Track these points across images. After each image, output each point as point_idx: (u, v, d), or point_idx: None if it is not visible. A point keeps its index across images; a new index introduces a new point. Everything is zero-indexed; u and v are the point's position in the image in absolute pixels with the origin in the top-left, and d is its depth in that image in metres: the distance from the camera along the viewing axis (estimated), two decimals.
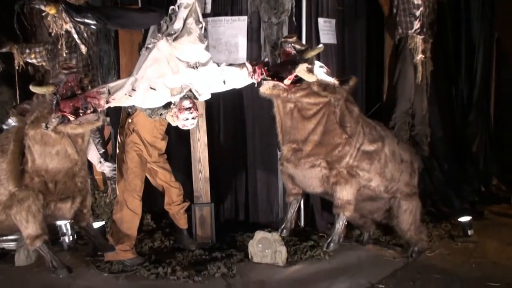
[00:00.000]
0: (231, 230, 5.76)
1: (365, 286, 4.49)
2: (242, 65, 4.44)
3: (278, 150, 5.52)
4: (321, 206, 5.78)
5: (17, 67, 5.74)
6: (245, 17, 5.64)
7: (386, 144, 4.68)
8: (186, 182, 5.57)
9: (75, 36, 5.18)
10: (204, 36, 5.53)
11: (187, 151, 5.59)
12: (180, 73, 4.28)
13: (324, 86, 4.32)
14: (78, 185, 4.39)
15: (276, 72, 4.32)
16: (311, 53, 4.28)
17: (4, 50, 5.64)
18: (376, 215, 5.08)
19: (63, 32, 5.12)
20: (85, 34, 5.25)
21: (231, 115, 5.97)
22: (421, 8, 5.64)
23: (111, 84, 4.13)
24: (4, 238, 5.19)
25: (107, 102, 4.05)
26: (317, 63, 4.46)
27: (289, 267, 4.90)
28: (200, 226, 5.45)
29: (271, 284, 4.62)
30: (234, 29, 5.68)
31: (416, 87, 5.76)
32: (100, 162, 5.70)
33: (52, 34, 5.23)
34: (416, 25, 5.61)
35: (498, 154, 6.90)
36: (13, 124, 6.51)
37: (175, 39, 4.24)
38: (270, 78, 4.28)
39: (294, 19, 5.35)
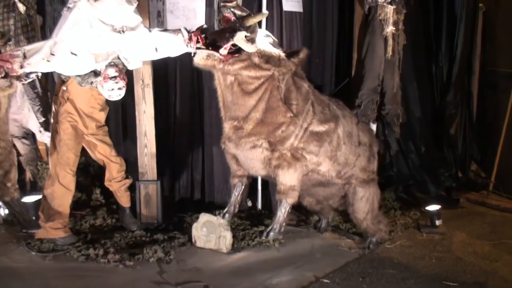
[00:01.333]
0: (183, 210, 5.41)
1: (309, 280, 4.10)
2: (177, 31, 3.96)
3: None
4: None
5: None
6: None
7: (340, 124, 4.24)
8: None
9: None
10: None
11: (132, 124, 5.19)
12: (105, 37, 3.83)
13: (267, 58, 3.85)
14: None
15: (214, 40, 3.84)
16: (253, 20, 3.79)
17: None
18: (332, 201, 4.68)
19: None
20: None
21: (188, 85, 5.56)
22: None
23: (27, 47, 3.72)
24: None
25: (22, 67, 3.64)
26: (262, 32, 3.99)
27: (233, 254, 4.53)
28: (145, 205, 5.07)
29: (208, 272, 4.24)
30: None
31: (387, 62, 5.26)
32: (40, 131, 5.30)
33: None
34: None
35: (479, 137, 6.41)
36: None
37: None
38: (204, 47, 3.81)
39: None
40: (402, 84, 5.63)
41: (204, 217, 4.65)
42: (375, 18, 5.16)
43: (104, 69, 3.98)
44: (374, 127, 5.46)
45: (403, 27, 5.26)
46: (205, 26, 4.02)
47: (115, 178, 4.86)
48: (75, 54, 3.76)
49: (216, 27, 4.89)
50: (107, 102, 4.68)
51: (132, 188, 5.03)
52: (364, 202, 4.43)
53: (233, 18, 3.83)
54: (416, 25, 5.90)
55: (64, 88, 4.50)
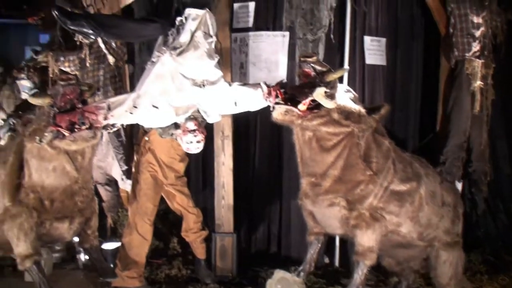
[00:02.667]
0: (259, 263, 5.29)
1: None
2: (257, 86, 3.96)
3: None
4: None
5: (51, 75, 5.61)
6: (287, 33, 5.20)
7: (423, 184, 4.04)
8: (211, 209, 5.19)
9: (102, 46, 4.95)
10: (244, 51, 5.16)
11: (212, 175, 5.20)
12: (185, 91, 3.89)
13: (346, 114, 3.74)
14: (79, 205, 4.07)
15: (293, 95, 3.80)
16: (333, 76, 3.73)
17: (40, 57, 5.53)
18: (413, 263, 4.43)
19: (87, 42, 4.91)
20: (113, 44, 5.01)
21: (268, 137, 5.53)
22: (482, 28, 4.93)
23: (112, 99, 3.81)
24: None
25: (106, 118, 3.72)
26: (342, 87, 3.92)
27: None
28: (220, 257, 5.03)
29: None
30: (275, 46, 5.26)
31: (474, 118, 5.04)
32: (122, 179, 5.42)
33: (78, 42, 5.04)
34: (475, 47, 4.91)
35: None
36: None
37: (180, 54, 3.85)
38: (283, 102, 3.77)
39: (332, 36, 4.80)
40: (491, 140, 5.38)
41: (279, 273, 4.51)
42: (462, 72, 4.99)
43: (184, 122, 4.02)
44: (459, 185, 5.22)
45: (492, 81, 5.05)
46: (284, 80, 4.01)
47: (191, 229, 4.87)
48: (157, 107, 3.83)
49: (297, 81, 4.89)
50: (187, 153, 4.73)
51: (208, 240, 5.01)
52: (448, 266, 4.16)
53: (313, 73, 3.78)
54: (506, 79, 5.63)
55: (146, 138, 4.60)
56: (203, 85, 3.91)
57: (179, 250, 5.59)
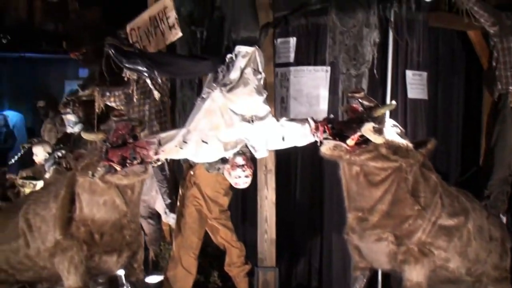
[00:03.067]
0: None
1: None
2: (304, 121, 4.01)
3: None
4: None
5: (97, 110, 5.75)
6: (328, 68, 5.26)
7: (471, 218, 4.02)
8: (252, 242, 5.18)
9: (148, 81, 5.07)
10: (285, 86, 5.23)
11: (254, 208, 5.22)
12: (235, 126, 3.95)
13: (394, 148, 3.75)
14: (127, 238, 4.13)
15: (340, 130, 3.84)
16: (381, 111, 3.77)
17: (86, 92, 5.67)
18: None
19: (134, 77, 5.04)
20: (159, 80, 5.13)
21: (309, 171, 5.54)
22: None
23: (163, 135, 3.89)
24: None
25: (156, 153, 3.80)
26: (390, 122, 3.94)
27: None
28: None
29: None
30: (316, 80, 5.32)
31: None
32: (166, 213, 5.48)
33: (125, 78, 5.17)
34: None
35: None
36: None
37: (230, 90, 3.92)
38: (331, 137, 3.81)
39: (375, 71, 4.85)
40: None
41: None
42: (506, 105, 4.95)
43: (232, 157, 4.07)
44: (504, 219, 5.15)
45: None
46: (331, 116, 4.04)
47: (235, 263, 4.89)
48: (206, 142, 3.89)
49: (339, 115, 4.93)
50: (231, 187, 4.78)
51: (250, 274, 5.01)
52: None
53: (360, 108, 3.82)
54: None
55: (192, 172, 4.67)
56: (252, 121, 3.97)
57: (220, 284, 5.57)
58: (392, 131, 3.85)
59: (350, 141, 3.74)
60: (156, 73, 4.14)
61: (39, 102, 8.85)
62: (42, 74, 11.95)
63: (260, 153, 4.14)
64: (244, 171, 4.08)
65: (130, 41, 5.60)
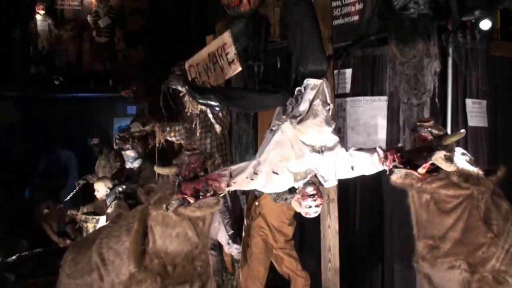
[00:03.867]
0: None
1: None
2: (372, 150, 4.06)
3: None
4: None
5: (157, 144, 5.90)
6: (385, 98, 5.35)
7: None
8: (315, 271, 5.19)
9: (210, 116, 5.20)
10: (341, 116, 5.30)
11: (316, 238, 5.25)
12: (305, 157, 4.01)
13: (465, 176, 3.76)
14: (198, 269, 4.17)
15: (410, 159, 3.87)
16: (451, 139, 3.79)
17: (147, 128, 5.84)
18: None
19: (198, 112, 5.17)
20: (220, 114, 5.26)
21: (368, 199, 5.59)
22: None
23: (233, 167, 3.95)
24: None
25: (228, 185, 3.88)
26: (459, 150, 3.96)
27: None
28: None
29: None
30: (374, 110, 5.42)
31: None
32: (229, 243, 5.55)
33: (188, 114, 5.31)
34: None
35: None
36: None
37: (299, 122, 4.00)
38: (402, 166, 3.85)
39: (437, 100, 4.89)
40: None
41: None
42: None
43: (303, 187, 4.12)
44: None
45: None
46: (400, 145, 4.08)
47: None
48: (277, 173, 3.95)
49: (401, 143, 4.96)
50: (295, 217, 4.84)
51: None
52: None
53: (429, 137, 3.85)
54: None
55: (257, 203, 4.75)
56: (322, 151, 4.03)
57: None
58: (461, 159, 3.89)
59: (422, 170, 3.77)
60: (228, 106, 4.26)
61: (93, 140, 9.10)
62: (92, 113, 12.25)
63: (329, 183, 4.19)
64: (314, 200, 4.12)
65: (189, 77, 5.79)
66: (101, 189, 6.64)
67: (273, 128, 4.10)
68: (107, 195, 6.51)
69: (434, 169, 3.77)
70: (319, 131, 4.02)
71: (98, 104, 12.30)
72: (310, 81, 4.07)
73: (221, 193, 3.86)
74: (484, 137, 5.27)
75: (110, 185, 6.62)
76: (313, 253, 5.55)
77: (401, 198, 5.15)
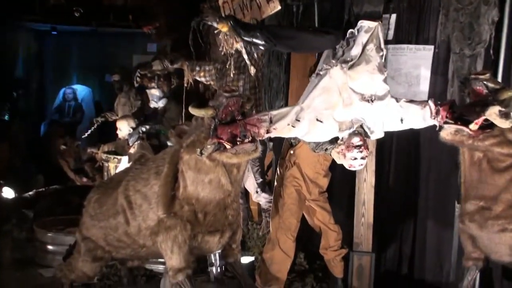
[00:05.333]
0: (390, 284, 5.13)
1: None
2: (424, 103, 3.79)
3: (456, 202, 4.80)
4: (501, 273, 4.88)
5: (186, 84, 5.65)
6: (431, 47, 4.99)
7: None
8: (346, 225, 5.00)
9: (245, 56, 4.87)
10: (383, 65, 5.02)
11: (350, 191, 5.04)
12: (353, 105, 3.76)
13: None
14: (229, 218, 3.98)
15: (462, 114, 3.62)
16: (508, 94, 3.50)
17: (175, 65, 5.57)
18: None
19: (233, 52, 4.88)
20: (255, 55, 4.96)
21: (404, 155, 5.32)
22: None
23: (274, 112, 3.68)
24: (153, 260, 4.99)
25: (268, 131, 3.62)
26: None
27: None
28: (357, 277, 4.84)
29: None
30: (417, 60, 5.05)
31: None
32: (257, 192, 5.36)
33: (223, 53, 5.02)
34: None
35: None
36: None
37: (351, 67, 3.71)
38: (453, 122, 3.59)
39: (492, 52, 4.56)
40: None
41: None
42: None
43: (348, 137, 3.88)
44: None
45: None
46: (453, 99, 3.80)
47: (331, 247, 4.75)
48: (321, 121, 3.70)
49: (448, 96, 4.68)
50: (330, 168, 4.62)
51: (344, 258, 4.86)
52: None
53: (484, 91, 3.59)
54: None
55: (291, 152, 4.52)
56: (372, 100, 3.76)
57: (306, 266, 5.46)
58: None
59: (473, 126, 3.53)
60: (277, 46, 3.94)
61: (114, 76, 8.83)
62: (111, 48, 11.97)
63: (375, 135, 3.94)
64: (361, 152, 3.87)
65: (223, 14, 5.47)
66: (123, 128, 6.44)
67: (320, 73, 3.82)
68: (130, 135, 6.31)
69: (488, 125, 3.54)
70: (371, 78, 3.76)
71: (118, 40, 12.03)
72: (365, 23, 3.78)
73: (260, 139, 3.61)
74: None
75: (134, 124, 6.42)
76: (340, 206, 5.37)
77: (439, 155, 4.99)
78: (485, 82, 3.62)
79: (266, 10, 5.14)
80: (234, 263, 4.22)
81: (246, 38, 3.74)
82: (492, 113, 3.45)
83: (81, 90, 12.04)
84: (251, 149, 3.59)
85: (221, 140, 3.50)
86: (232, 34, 3.83)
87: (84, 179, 8.29)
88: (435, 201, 5.17)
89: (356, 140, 3.85)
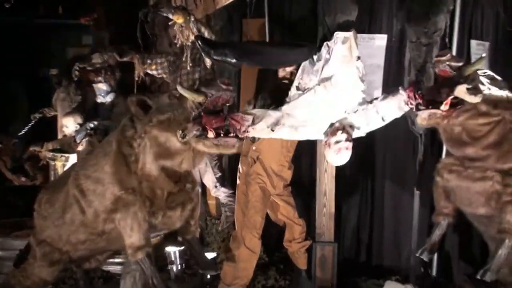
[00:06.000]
0: (349, 272, 5.13)
1: None
2: (395, 94, 3.80)
3: (415, 189, 4.90)
4: (458, 254, 5.06)
5: (136, 78, 5.48)
6: (385, 36, 5.06)
7: None
8: (306, 216, 4.99)
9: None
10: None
11: (310, 182, 5.04)
12: (334, 118, 3.82)
13: (494, 103, 3.60)
14: (189, 191, 3.91)
15: (431, 97, 3.65)
16: (471, 68, 3.59)
17: (125, 59, 5.39)
18: None
19: (189, 43, 4.77)
20: None
21: (361, 144, 5.32)
22: None
23: (257, 113, 3.70)
24: (110, 260, 4.83)
25: (246, 131, 3.62)
26: (485, 74, 3.71)
27: None
28: (321, 267, 4.86)
29: None
30: (371, 49, 5.10)
31: None
32: (216, 186, 5.27)
33: (178, 45, 4.90)
34: None
35: None
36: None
37: (331, 83, 3.74)
38: (425, 107, 3.63)
39: (447, 40, 4.66)
40: None
41: (390, 284, 4.44)
42: None
43: (329, 128, 3.87)
44: None
45: None
46: (417, 82, 3.86)
47: (296, 239, 4.74)
48: (304, 126, 3.77)
49: (405, 84, 4.74)
50: (293, 161, 4.60)
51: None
52: None
53: (449, 71, 3.63)
54: None
55: (254, 148, 4.47)
56: (354, 112, 3.83)
57: (267, 259, 5.42)
58: (488, 83, 3.65)
59: (444, 106, 3.58)
60: (246, 63, 3.91)
61: (52, 70, 8.43)
62: (44, 41, 11.45)
63: (358, 133, 3.95)
64: (343, 134, 3.83)
65: (173, 4, 5.36)
66: (70, 125, 6.19)
67: (301, 83, 3.85)
68: (77, 131, 6.07)
69: (458, 102, 3.58)
70: (351, 92, 3.80)
71: (51, 32, 11.49)
72: (340, 35, 3.79)
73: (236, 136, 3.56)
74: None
75: (80, 121, 6.17)
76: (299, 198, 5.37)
77: (395, 143, 5.10)
78: (447, 63, 3.66)
79: (220, 1, 5.06)
80: (192, 240, 4.13)
81: (216, 57, 3.66)
82: (461, 92, 3.49)
83: (12, 85, 11.46)
84: (231, 144, 3.55)
85: (209, 129, 3.45)
86: (202, 53, 3.75)
87: (23, 179, 7.91)
88: (392, 188, 5.27)
89: (336, 125, 3.84)
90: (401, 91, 3.75)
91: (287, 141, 4.44)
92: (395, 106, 3.79)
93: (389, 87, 4.64)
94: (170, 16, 4.60)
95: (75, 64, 7.95)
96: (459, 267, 5.03)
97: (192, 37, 4.69)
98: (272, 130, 3.67)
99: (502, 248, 3.74)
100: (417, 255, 4.13)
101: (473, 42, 4.99)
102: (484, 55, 3.78)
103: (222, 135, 3.45)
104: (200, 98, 3.47)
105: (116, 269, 4.97)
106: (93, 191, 3.79)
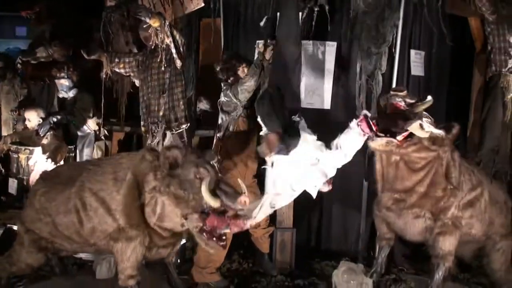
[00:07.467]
0: (303, 256, 5.62)
1: None
2: (352, 127, 4.25)
3: (364, 180, 5.47)
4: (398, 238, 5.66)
5: (104, 76, 5.66)
6: (334, 43, 5.61)
7: (485, 188, 4.68)
8: None
9: (173, 50, 5.08)
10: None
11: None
12: (303, 174, 4.24)
13: (433, 139, 4.27)
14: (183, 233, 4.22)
15: (387, 127, 4.22)
16: (421, 107, 4.20)
17: (93, 57, 5.55)
18: (465, 253, 5.02)
19: (164, 46, 5.06)
20: (181, 49, 5.17)
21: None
22: None
23: (255, 210, 4.01)
24: None
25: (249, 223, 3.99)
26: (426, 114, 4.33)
27: None
28: (281, 251, 5.38)
29: None
30: (323, 55, 5.63)
31: (503, 125, 5.63)
32: None
33: (153, 47, 5.16)
34: (511, 64, 5.52)
35: None
36: (88, 131, 6.50)
37: (292, 152, 4.22)
38: (383, 135, 4.18)
39: (393, 50, 5.31)
40: None
41: (344, 264, 4.93)
42: (497, 85, 5.53)
43: None
44: None
45: None
46: (364, 113, 4.35)
47: (261, 226, 5.15)
48: (274, 207, 4.24)
49: (356, 88, 5.33)
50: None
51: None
52: (501, 254, 4.81)
53: (402, 105, 4.24)
54: None
55: (221, 144, 5.00)
56: (318, 161, 4.26)
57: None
58: (427, 122, 4.25)
59: (400, 137, 4.19)
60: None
61: None
62: None
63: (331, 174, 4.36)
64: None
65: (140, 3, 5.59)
66: (33, 118, 6.33)
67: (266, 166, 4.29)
68: (40, 125, 6.21)
69: (409, 135, 4.23)
70: (313, 152, 4.27)
71: None
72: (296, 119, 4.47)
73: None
74: (422, 85, 5.80)
75: (43, 115, 6.32)
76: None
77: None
78: (403, 98, 4.28)
79: (189, 6, 5.37)
80: (169, 263, 4.50)
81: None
82: (415, 128, 4.15)
83: None
84: (215, 248, 3.88)
85: (207, 230, 3.79)
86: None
87: None
88: (340, 176, 5.75)
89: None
90: (354, 125, 4.23)
91: (254, 135, 4.93)
92: (355, 141, 4.26)
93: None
94: (147, 20, 4.87)
95: (18, 57, 8.02)
96: (399, 249, 5.56)
97: (166, 40, 5.00)
98: (272, 208, 4.19)
99: (438, 270, 4.50)
100: (368, 277, 4.75)
101: (412, 52, 5.67)
102: (430, 98, 4.24)
103: (215, 239, 3.78)
104: (216, 205, 3.69)
105: (88, 256, 5.16)
106: (95, 209, 4.02)
